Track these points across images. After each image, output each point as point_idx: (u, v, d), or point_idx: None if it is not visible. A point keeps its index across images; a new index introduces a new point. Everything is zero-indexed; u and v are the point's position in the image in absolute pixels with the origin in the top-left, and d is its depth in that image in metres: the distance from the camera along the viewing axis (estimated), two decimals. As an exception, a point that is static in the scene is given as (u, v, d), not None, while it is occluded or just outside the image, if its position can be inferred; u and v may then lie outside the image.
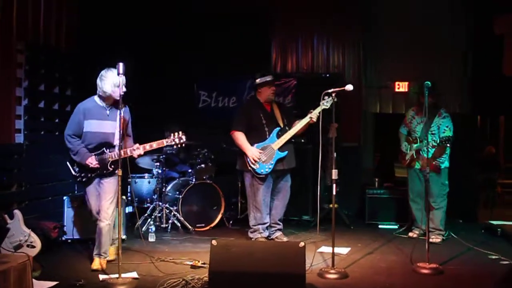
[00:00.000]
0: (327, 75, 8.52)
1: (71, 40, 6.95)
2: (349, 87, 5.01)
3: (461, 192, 7.58)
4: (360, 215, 7.66)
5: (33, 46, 6.10)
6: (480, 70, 8.35)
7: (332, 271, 4.69)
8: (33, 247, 4.76)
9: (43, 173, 6.25)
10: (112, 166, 4.86)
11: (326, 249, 5.63)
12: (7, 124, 5.75)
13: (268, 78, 6.02)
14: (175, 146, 4.93)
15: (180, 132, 4.89)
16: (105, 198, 4.89)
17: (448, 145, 5.86)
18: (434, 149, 5.89)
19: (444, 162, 6.16)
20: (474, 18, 8.46)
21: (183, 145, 4.93)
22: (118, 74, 4.48)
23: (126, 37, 7.73)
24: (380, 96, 8.91)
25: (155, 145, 4.88)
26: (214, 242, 4.09)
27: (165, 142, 4.87)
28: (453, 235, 6.33)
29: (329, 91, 5.01)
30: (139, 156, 4.96)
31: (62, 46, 6.79)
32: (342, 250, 5.63)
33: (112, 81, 4.78)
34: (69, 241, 5.84)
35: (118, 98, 4.70)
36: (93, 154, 4.84)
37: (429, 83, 5.14)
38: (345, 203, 7.88)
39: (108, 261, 4.96)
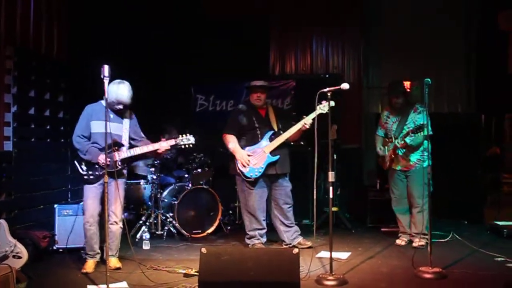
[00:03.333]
0: (327, 76, 8.40)
1: (62, 46, 6.83)
2: (345, 85, 4.84)
3: (466, 193, 7.43)
4: (362, 218, 7.44)
5: (23, 52, 5.96)
6: (484, 68, 8.19)
7: (330, 277, 4.49)
8: (19, 257, 4.57)
9: (34, 181, 6.10)
10: (120, 164, 4.93)
11: (325, 254, 5.42)
12: (-5, 131, 5.62)
13: (253, 83, 5.87)
14: (183, 147, 5.08)
15: (188, 134, 5.06)
16: (116, 201, 4.95)
17: (421, 133, 5.47)
18: (410, 141, 5.69)
19: (425, 161, 5.73)
20: (478, 15, 8.31)
21: (191, 146, 5.08)
22: (103, 76, 4.34)
23: (120, 43, 7.59)
24: (382, 96, 8.74)
25: (164, 144, 5.02)
26: (204, 249, 3.91)
27: (174, 141, 5.03)
28: (457, 236, 6.12)
29: (325, 90, 4.82)
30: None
31: (53, 52, 6.66)
32: (342, 255, 5.44)
33: (114, 96, 4.89)
34: (61, 250, 5.67)
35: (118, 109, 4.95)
36: (103, 152, 4.85)
37: (429, 80, 4.92)
38: (347, 206, 7.71)
39: (112, 269, 4.89)
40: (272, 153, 5.68)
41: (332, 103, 5.24)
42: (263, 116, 5.87)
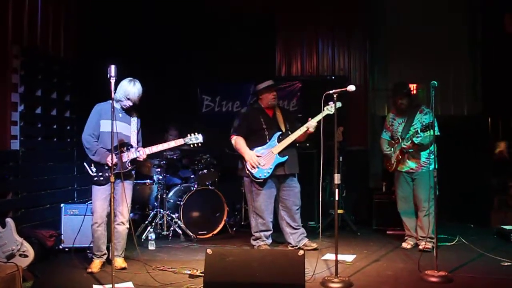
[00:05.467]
0: (333, 78, 8.38)
1: (69, 46, 6.85)
2: (351, 87, 4.84)
3: (473, 196, 7.40)
4: (367, 220, 7.42)
5: (29, 51, 5.98)
6: (490, 70, 8.15)
7: (336, 280, 4.47)
8: (26, 256, 4.59)
9: (40, 180, 6.12)
10: (129, 165, 4.95)
11: (330, 256, 5.39)
12: (3, 131, 5.62)
13: (267, 84, 5.86)
14: (192, 146, 5.09)
15: (196, 133, 5.09)
16: (123, 202, 4.93)
17: (429, 132, 5.39)
18: (417, 141, 5.65)
19: (432, 164, 5.72)
20: (483, 17, 8.29)
21: (199, 145, 5.09)
22: (110, 77, 4.34)
23: (126, 42, 7.63)
24: (388, 98, 8.72)
25: (173, 143, 5.04)
26: (209, 250, 3.92)
27: (182, 140, 5.04)
28: (463, 240, 6.09)
29: (331, 92, 4.82)
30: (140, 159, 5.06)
31: (60, 52, 6.68)
32: (347, 258, 5.42)
33: (124, 92, 4.92)
34: (67, 249, 5.69)
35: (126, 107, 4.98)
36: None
37: (435, 82, 4.90)
38: (352, 208, 7.70)
39: (118, 270, 4.90)
40: (281, 153, 5.68)
41: (339, 104, 5.24)
42: (270, 116, 5.87)
